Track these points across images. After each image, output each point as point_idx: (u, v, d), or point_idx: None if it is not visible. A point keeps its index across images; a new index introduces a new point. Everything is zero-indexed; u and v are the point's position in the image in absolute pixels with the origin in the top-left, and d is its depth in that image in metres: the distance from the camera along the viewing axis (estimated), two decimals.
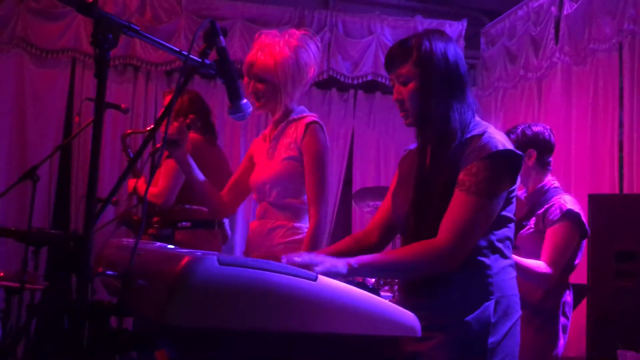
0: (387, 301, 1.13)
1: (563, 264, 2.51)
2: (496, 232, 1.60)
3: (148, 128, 3.61)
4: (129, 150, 3.54)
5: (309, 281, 1.06)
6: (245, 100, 1.54)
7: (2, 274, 3.64)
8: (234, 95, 1.50)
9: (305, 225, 2.27)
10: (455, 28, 5.65)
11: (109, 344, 1.20)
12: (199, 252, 1.10)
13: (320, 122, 2.26)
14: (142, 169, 4.04)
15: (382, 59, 5.68)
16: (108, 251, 1.66)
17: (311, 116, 2.27)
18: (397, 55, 1.67)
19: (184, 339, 1.04)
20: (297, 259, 1.26)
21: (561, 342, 2.59)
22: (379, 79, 5.67)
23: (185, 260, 1.01)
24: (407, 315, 1.14)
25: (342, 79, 5.65)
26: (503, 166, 1.57)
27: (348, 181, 5.87)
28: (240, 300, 1.02)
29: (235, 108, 1.53)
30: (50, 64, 5.21)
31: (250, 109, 1.57)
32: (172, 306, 0.98)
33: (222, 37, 1.47)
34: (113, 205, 4.07)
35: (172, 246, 1.85)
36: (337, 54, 5.62)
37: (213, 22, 1.44)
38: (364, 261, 1.37)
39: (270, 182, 2.26)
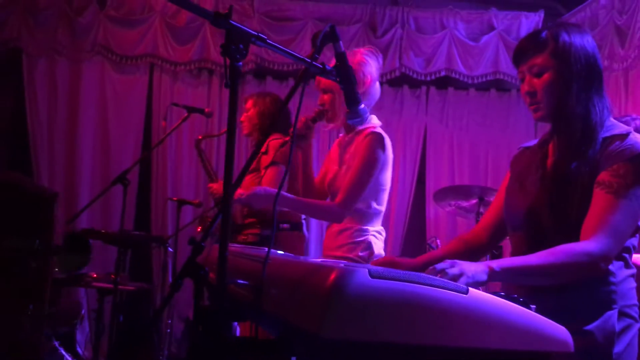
0: (539, 315, 1.08)
1: None
2: None
3: (223, 131, 3.67)
4: (204, 154, 3.63)
5: (460, 294, 1.03)
6: (362, 105, 1.52)
7: (94, 275, 3.77)
8: (353, 101, 1.49)
9: (371, 227, 2.45)
10: (532, 19, 5.48)
11: (249, 349, 1.22)
12: (341, 263, 1.09)
13: (382, 133, 2.38)
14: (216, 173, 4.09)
15: (455, 53, 5.57)
16: (214, 257, 1.66)
17: (372, 127, 2.39)
18: (529, 46, 1.63)
19: (332, 351, 1.03)
20: (438, 266, 1.24)
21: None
22: (452, 75, 5.56)
23: (336, 272, 0.99)
24: (560, 330, 1.09)
25: (414, 75, 5.57)
26: None
27: (421, 180, 5.78)
28: (391, 313, 1.00)
29: (353, 113, 1.52)
30: (129, 69, 5.36)
31: (368, 114, 1.56)
32: (328, 319, 0.97)
33: (341, 43, 1.46)
34: (196, 207, 4.15)
35: (281, 252, 1.86)
36: (409, 51, 5.54)
37: (333, 26, 1.42)
38: (506, 265, 1.32)
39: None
